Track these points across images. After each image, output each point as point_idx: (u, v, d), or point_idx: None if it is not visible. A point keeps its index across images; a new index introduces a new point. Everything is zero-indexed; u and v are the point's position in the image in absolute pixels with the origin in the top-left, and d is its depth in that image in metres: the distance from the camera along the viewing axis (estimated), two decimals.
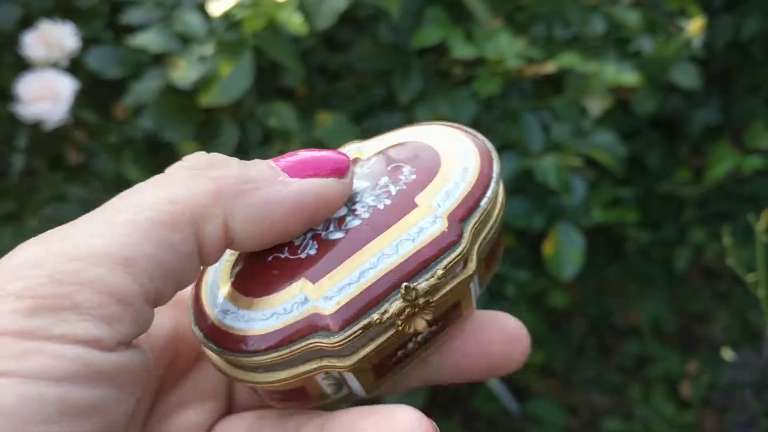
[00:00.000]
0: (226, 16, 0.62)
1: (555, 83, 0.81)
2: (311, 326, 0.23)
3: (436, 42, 0.69)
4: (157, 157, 0.73)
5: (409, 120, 0.74)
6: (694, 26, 0.79)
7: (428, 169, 0.26)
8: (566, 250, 0.70)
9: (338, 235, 0.24)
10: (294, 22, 0.57)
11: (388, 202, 0.25)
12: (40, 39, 0.72)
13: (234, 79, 0.60)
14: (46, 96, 0.69)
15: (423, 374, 0.28)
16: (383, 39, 0.73)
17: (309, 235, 0.25)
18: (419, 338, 0.25)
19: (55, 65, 0.72)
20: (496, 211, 0.26)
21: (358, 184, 0.26)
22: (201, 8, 0.68)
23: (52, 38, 0.72)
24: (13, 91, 0.71)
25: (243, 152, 0.68)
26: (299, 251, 0.25)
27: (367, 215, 0.25)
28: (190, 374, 0.28)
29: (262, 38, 0.62)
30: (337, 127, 0.65)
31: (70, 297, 0.19)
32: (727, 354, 0.82)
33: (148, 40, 0.65)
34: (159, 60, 0.72)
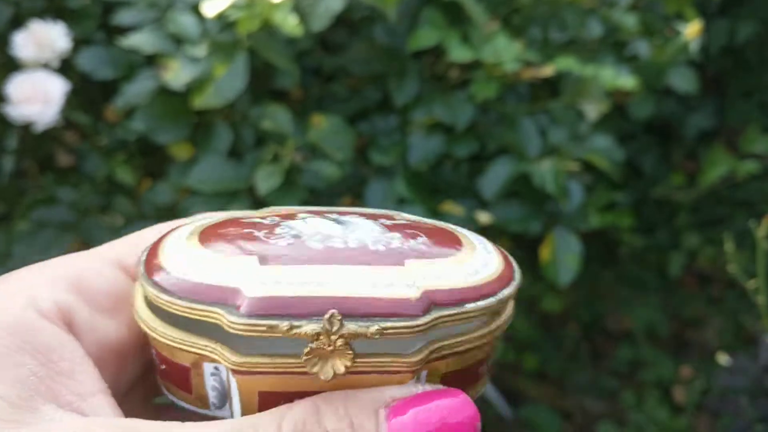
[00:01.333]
0: (220, 17, 0.61)
1: (551, 87, 0.81)
2: (225, 297, 0.22)
3: (433, 44, 0.68)
4: (148, 159, 0.73)
5: (405, 123, 0.73)
6: (692, 30, 0.79)
7: (441, 251, 0.24)
8: (563, 256, 0.70)
9: (317, 245, 0.23)
10: (289, 23, 0.57)
11: (381, 248, 0.24)
12: (30, 39, 0.71)
13: (228, 80, 0.60)
14: (37, 97, 0.68)
15: None
16: (379, 41, 0.72)
17: (293, 232, 0.24)
18: None
19: (45, 66, 0.71)
20: (484, 330, 0.24)
21: (369, 226, 0.25)
22: (194, 9, 0.67)
23: (43, 38, 0.71)
24: (3, 92, 0.70)
25: (236, 155, 0.68)
26: (272, 238, 0.24)
27: (353, 246, 0.23)
28: None
29: (256, 39, 0.61)
30: (332, 130, 0.65)
31: None
32: (723, 359, 0.82)
33: (141, 40, 0.64)
34: (151, 61, 0.71)
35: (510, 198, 0.72)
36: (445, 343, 0.23)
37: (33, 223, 0.69)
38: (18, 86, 0.69)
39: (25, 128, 0.72)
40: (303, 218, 0.25)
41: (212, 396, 0.24)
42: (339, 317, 0.21)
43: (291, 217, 0.26)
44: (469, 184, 0.72)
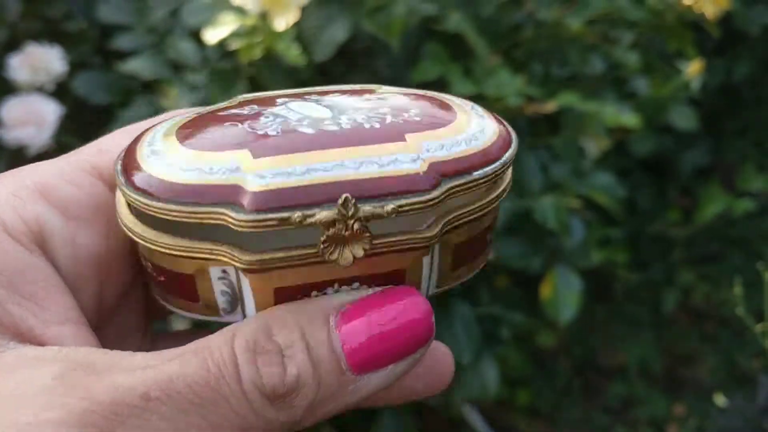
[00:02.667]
0: (221, 44, 0.60)
1: (551, 122, 0.80)
2: (226, 195, 0.20)
3: (435, 77, 0.68)
4: None
5: None
6: (693, 68, 0.79)
7: (436, 121, 0.23)
8: (564, 294, 0.69)
9: (308, 130, 0.22)
10: (292, 52, 0.56)
11: (376, 125, 0.22)
12: (26, 62, 0.70)
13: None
14: (30, 121, 0.67)
15: None
16: (380, 73, 0.71)
17: (279, 120, 0.23)
18: (341, 288, 0.22)
19: (40, 89, 0.70)
20: (490, 196, 0.24)
21: (357, 103, 0.24)
22: (194, 35, 0.66)
23: (39, 61, 0.70)
24: None
25: None
26: (259, 127, 0.22)
27: (347, 127, 0.22)
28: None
29: (257, 68, 0.60)
30: None
31: None
32: (720, 400, 0.81)
33: (140, 65, 0.63)
34: (148, 87, 0.70)
35: (510, 234, 0.71)
36: (456, 213, 0.23)
37: None
38: (11, 109, 0.68)
39: (17, 152, 0.70)
40: (284, 103, 0.24)
41: (222, 301, 0.23)
42: (353, 200, 0.20)
43: (270, 103, 0.24)
44: None
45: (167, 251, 0.22)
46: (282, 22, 0.56)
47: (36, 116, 0.67)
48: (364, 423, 0.74)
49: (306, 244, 0.21)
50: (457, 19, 0.66)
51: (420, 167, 0.21)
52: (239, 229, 0.20)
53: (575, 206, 0.71)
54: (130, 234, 0.22)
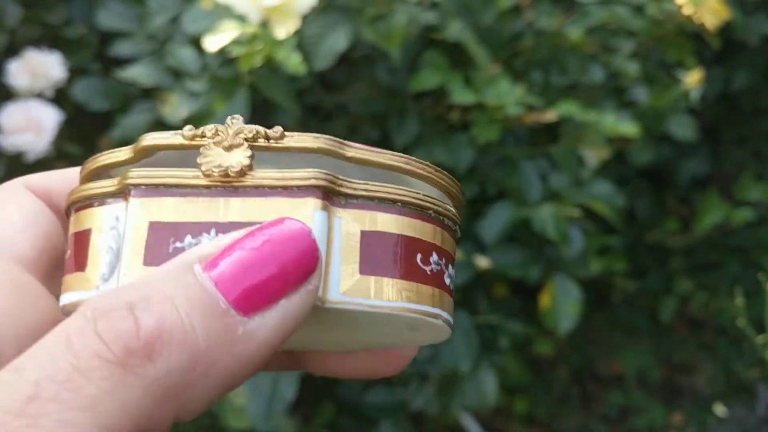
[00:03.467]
0: (222, 51, 0.60)
1: (550, 131, 0.80)
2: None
3: (435, 86, 0.67)
4: None
5: None
6: (692, 78, 0.79)
7: None
8: (563, 304, 0.69)
9: None
10: (293, 61, 0.56)
11: None
12: (25, 68, 0.70)
13: (228, 116, 0.58)
14: (29, 127, 0.66)
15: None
16: (380, 81, 0.71)
17: None
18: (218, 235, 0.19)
19: (39, 95, 0.70)
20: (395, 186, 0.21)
21: None
22: (194, 43, 0.66)
23: (38, 67, 0.69)
24: None
25: None
26: None
27: None
28: None
29: (258, 76, 0.60)
30: None
31: None
32: (719, 410, 0.80)
33: (139, 73, 0.63)
34: (148, 94, 0.70)
35: (509, 243, 0.71)
36: (358, 181, 0.20)
37: None
38: (10, 115, 0.67)
39: (15, 158, 0.70)
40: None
41: (104, 263, 0.20)
42: (240, 118, 0.20)
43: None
44: (468, 228, 0.71)
45: (78, 200, 0.21)
46: (283, 31, 0.56)
47: (35, 122, 0.67)
48: (362, 429, 0.74)
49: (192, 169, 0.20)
50: (458, 29, 0.66)
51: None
52: (142, 145, 0.20)
53: (574, 215, 0.70)
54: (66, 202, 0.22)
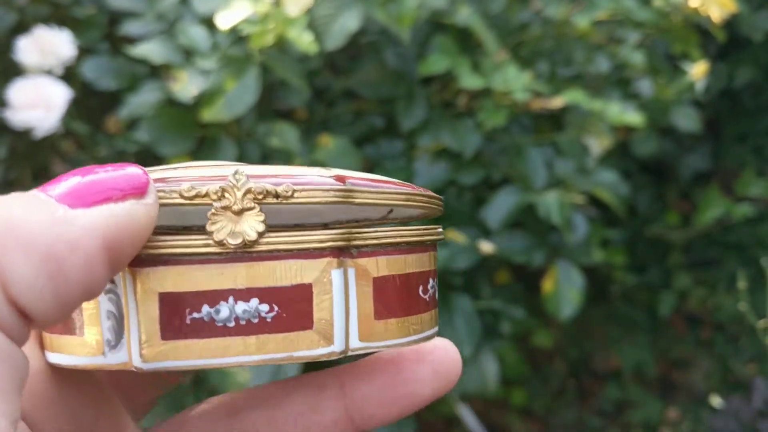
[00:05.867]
0: (233, 30, 0.60)
1: (555, 119, 0.81)
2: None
3: (443, 70, 0.68)
4: None
5: (411, 148, 0.72)
6: (698, 70, 0.79)
7: None
8: (566, 289, 0.69)
9: None
10: (304, 40, 0.56)
11: None
12: (34, 45, 0.69)
13: (238, 94, 0.59)
14: (39, 103, 0.66)
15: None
16: (389, 65, 0.72)
17: None
18: (237, 303, 0.19)
19: (48, 73, 0.70)
20: (407, 229, 0.22)
21: None
22: (205, 22, 0.66)
23: (48, 45, 0.69)
24: (1, 98, 0.68)
25: None
26: None
27: None
28: None
29: (269, 55, 0.60)
30: (339, 151, 0.64)
31: None
32: (716, 401, 0.81)
33: (151, 50, 0.63)
34: (155, 73, 0.70)
35: (513, 228, 0.72)
36: (364, 225, 0.21)
37: None
38: (20, 91, 0.67)
39: (21, 135, 0.70)
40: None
41: (106, 328, 0.20)
42: (244, 173, 0.19)
43: None
44: (473, 213, 0.71)
45: None
46: (295, 9, 0.56)
47: (44, 99, 0.67)
48: None
49: (202, 233, 0.19)
50: (467, 14, 0.66)
51: (326, 173, 0.20)
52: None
53: (579, 202, 0.71)
54: None
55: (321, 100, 0.78)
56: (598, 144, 0.76)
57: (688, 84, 0.80)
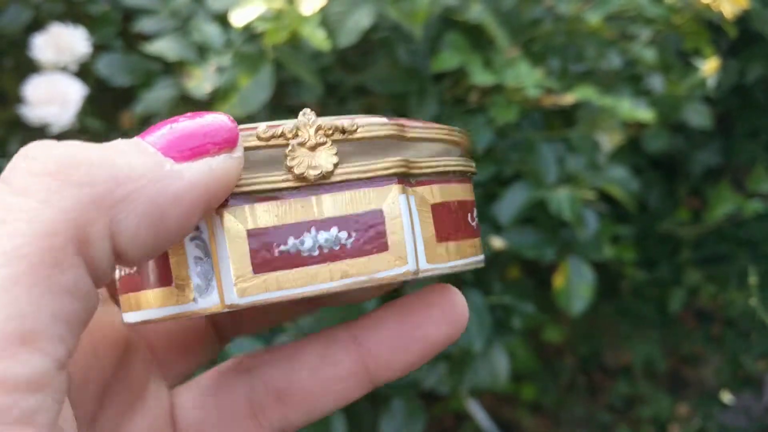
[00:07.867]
0: (247, 27, 0.61)
1: (566, 115, 0.81)
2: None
3: (455, 67, 0.68)
4: None
5: None
6: (709, 66, 0.79)
7: None
8: (577, 285, 0.69)
9: None
10: (318, 37, 0.57)
11: None
12: (50, 42, 0.70)
13: (253, 91, 0.59)
14: (54, 99, 0.67)
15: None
16: (401, 62, 0.72)
17: None
18: (319, 232, 0.21)
19: (63, 69, 0.71)
20: (452, 154, 0.24)
21: None
22: (219, 18, 0.67)
23: (63, 42, 0.70)
24: (17, 94, 0.69)
25: None
26: None
27: None
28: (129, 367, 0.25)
29: (282, 52, 0.61)
30: None
31: None
32: (726, 397, 0.81)
33: (165, 47, 0.64)
34: (170, 69, 0.71)
35: (524, 224, 0.72)
36: (418, 155, 0.23)
37: None
38: (35, 88, 0.68)
39: (37, 131, 0.71)
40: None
41: (195, 274, 0.21)
42: (311, 112, 0.21)
43: None
44: (485, 208, 0.71)
45: None
46: (309, 7, 0.57)
47: (60, 95, 0.68)
48: (374, 408, 0.75)
49: (272, 159, 0.21)
50: (479, 10, 0.67)
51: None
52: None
53: (590, 198, 0.71)
54: None
55: (333, 95, 0.78)
56: (609, 140, 0.77)
57: (699, 80, 0.80)
